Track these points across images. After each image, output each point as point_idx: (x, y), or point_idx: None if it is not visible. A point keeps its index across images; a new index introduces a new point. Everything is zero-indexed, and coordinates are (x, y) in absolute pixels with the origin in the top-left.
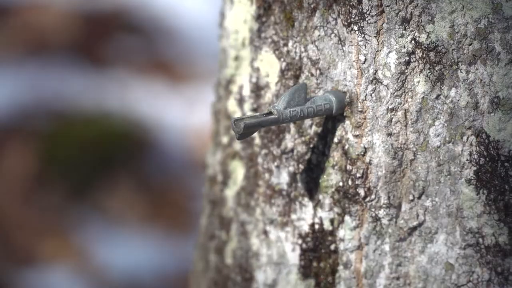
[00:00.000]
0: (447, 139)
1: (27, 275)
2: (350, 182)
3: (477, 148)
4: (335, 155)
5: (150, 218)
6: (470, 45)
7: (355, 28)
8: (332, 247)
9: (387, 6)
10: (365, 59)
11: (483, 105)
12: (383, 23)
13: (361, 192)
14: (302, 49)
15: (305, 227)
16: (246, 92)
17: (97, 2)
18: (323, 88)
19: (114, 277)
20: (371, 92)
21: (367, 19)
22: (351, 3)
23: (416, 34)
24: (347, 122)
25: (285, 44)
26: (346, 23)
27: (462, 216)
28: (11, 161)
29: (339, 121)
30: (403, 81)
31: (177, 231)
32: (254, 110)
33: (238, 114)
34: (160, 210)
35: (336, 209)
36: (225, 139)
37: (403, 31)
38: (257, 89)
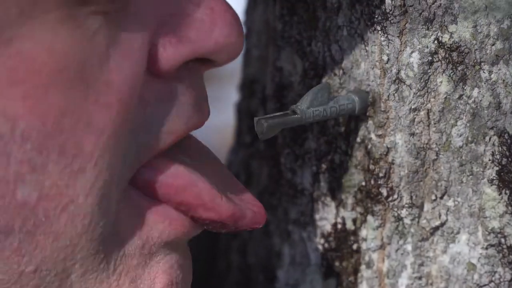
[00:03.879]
0: (469, 139)
1: None
2: (372, 182)
3: (500, 148)
4: (358, 155)
5: None
6: (493, 45)
7: (378, 28)
8: (355, 246)
9: (410, 6)
10: (388, 59)
11: (506, 105)
12: (406, 23)
13: (384, 191)
14: (325, 49)
15: (327, 227)
16: (269, 91)
17: None
18: (346, 88)
19: None
20: (394, 92)
21: (390, 19)
22: (374, 3)
23: (439, 34)
24: (370, 122)
25: (308, 44)
26: (369, 23)
27: (484, 216)
28: None
29: (362, 120)
30: (426, 81)
31: None
32: (277, 109)
33: (261, 114)
34: None
35: (358, 209)
36: (248, 138)
37: (426, 31)
38: (280, 88)
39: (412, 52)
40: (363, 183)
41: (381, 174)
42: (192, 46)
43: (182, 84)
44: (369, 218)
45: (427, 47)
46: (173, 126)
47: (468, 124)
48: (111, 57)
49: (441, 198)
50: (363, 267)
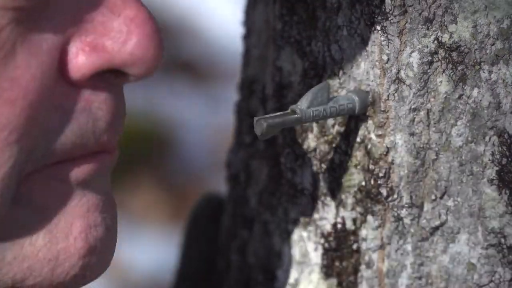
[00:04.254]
0: (469, 139)
1: None
2: (372, 182)
3: (499, 148)
4: (358, 155)
5: (172, 217)
6: (492, 45)
7: (378, 28)
8: (355, 246)
9: (410, 6)
10: (388, 59)
11: (506, 105)
12: (406, 23)
13: (384, 191)
14: (325, 49)
15: (327, 227)
16: (269, 91)
17: None
18: (346, 88)
19: (137, 276)
20: (394, 92)
21: (390, 19)
22: (374, 3)
23: (439, 34)
24: (370, 121)
25: (308, 44)
26: (369, 23)
27: (484, 216)
28: None
29: (362, 120)
30: (426, 81)
31: None
32: (277, 109)
33: (260, 114)
34: (182, 209)
35: (358, 209)
36: (247, 138)
37: (426, 31)
38: (280, 88)
39: (412, 52)
40: (363, 183)
41: (381, 174)
42: (105, 56)
43: (99, 98)
44: (369, 218)
45: (427, 47)
46: (85, 140)
47: (468, 124)
48: (18, 54)
49: (441, 198)
50: (363, 267)
